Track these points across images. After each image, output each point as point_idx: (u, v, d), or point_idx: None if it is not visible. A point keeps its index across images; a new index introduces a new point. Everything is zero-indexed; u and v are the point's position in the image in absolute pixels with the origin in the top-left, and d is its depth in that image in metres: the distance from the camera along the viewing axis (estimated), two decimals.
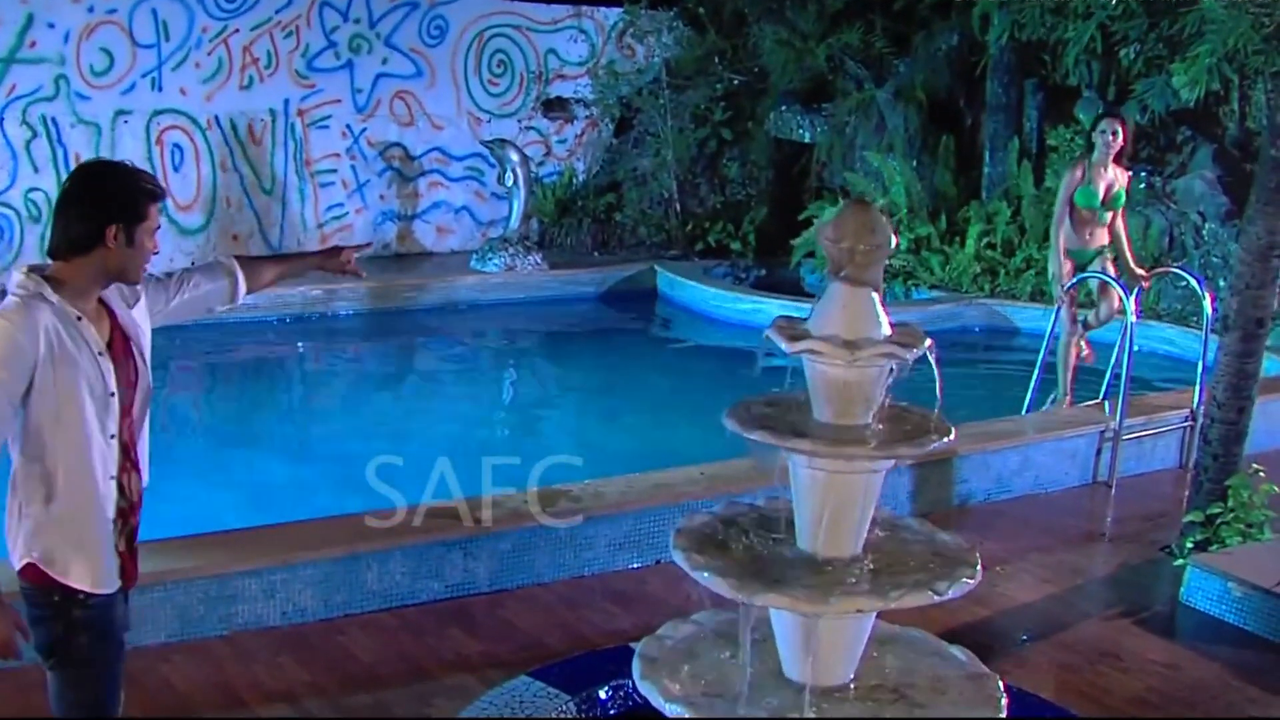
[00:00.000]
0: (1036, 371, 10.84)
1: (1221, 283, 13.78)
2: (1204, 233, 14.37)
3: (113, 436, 4.41)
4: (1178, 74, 14.29)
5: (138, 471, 4.60)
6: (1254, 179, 8.33)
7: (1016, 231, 15.54)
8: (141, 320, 4.61)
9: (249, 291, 5.05)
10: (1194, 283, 11.18)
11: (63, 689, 4.52)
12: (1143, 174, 15.11)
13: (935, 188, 16.36)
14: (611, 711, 6.04)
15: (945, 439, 4.85)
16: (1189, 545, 8.36)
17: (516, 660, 6.78)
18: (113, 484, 4.43)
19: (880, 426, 4.91)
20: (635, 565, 8.10)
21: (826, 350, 4.72)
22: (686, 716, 4.77)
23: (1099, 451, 10.12)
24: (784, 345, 4.81)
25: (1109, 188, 10.87)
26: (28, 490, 4.37)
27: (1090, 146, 11.09)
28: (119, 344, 4.49)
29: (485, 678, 6.58)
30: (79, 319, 4.34)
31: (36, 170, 14.14)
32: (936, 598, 4.72)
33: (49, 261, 4.44)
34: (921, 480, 9.18)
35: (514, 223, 16.18)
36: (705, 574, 4.76)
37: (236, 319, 13.81)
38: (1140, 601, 8.07)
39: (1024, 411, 10.76)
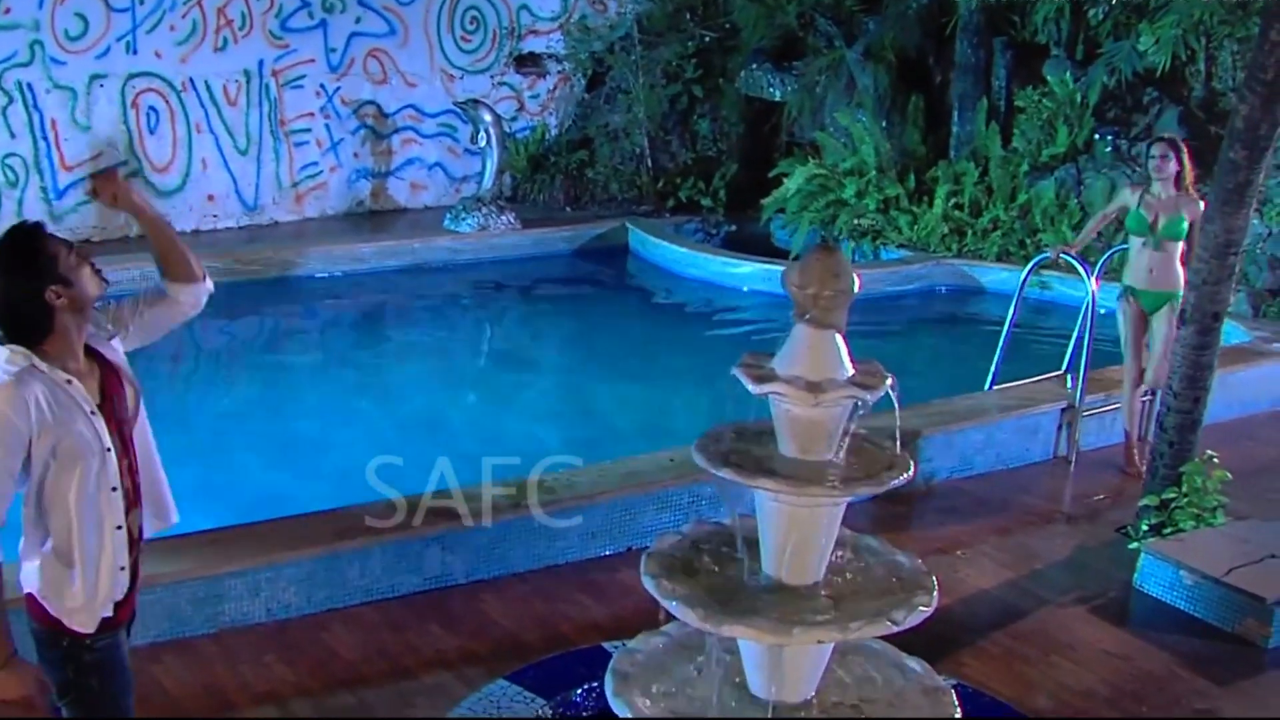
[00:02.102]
0: (1003, 338, 10.95)
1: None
2: None
3: (115, 489, 4.58)
4: (1145, 35, 14.56)
5: (139, 508, 4.77)
6: (1218, 152, 8.52)
7: (984, 192, 15.74)
8: (125, 367, 4.79)
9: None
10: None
11: None
12: (1108, 136, 15.33)
13: (904, 147, 16.52)
14: (585, 714, 6.28)
15: (904, 475, 5.08)
16: (1144, 528, 8.63)
17: (493, 657, 7.04)
18: (121, 533, 4.60)
19: (843, 461, 5.13)
20: (608, 553, 8.33)
21: (791, 393, 4.93)
22: None
23: (1060, 427, 10.40)
24: (751, 386, 5.01)
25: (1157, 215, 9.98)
26: (38, 538, 4.55)
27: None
28: (113, 387, 4.66)
29: (463, 676, 6.84)
30: (69, 382, 4.49)
31: (13, 136, 14.25)
32: (894, 627, 4.97)
33: None
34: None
35: (487, 183, 16.33)
36: (674, 603, 4.99)
37: (214, 283, 14.00)
38: (1095, 587, 8.33)
39: (989, 379, 10.90)
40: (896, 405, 5.11)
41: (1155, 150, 10.09)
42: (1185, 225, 9.85)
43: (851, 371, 5.06)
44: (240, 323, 14.19)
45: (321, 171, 16.56)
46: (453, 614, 7.55)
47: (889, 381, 5.08)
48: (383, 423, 11.60)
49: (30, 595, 4.62)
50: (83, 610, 4.59)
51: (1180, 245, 9.90)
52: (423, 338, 14.43)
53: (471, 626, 7.44)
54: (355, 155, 16.81)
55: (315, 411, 11.83)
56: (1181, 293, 9.38)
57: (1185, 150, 10.05)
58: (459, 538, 7.85)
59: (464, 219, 15.97)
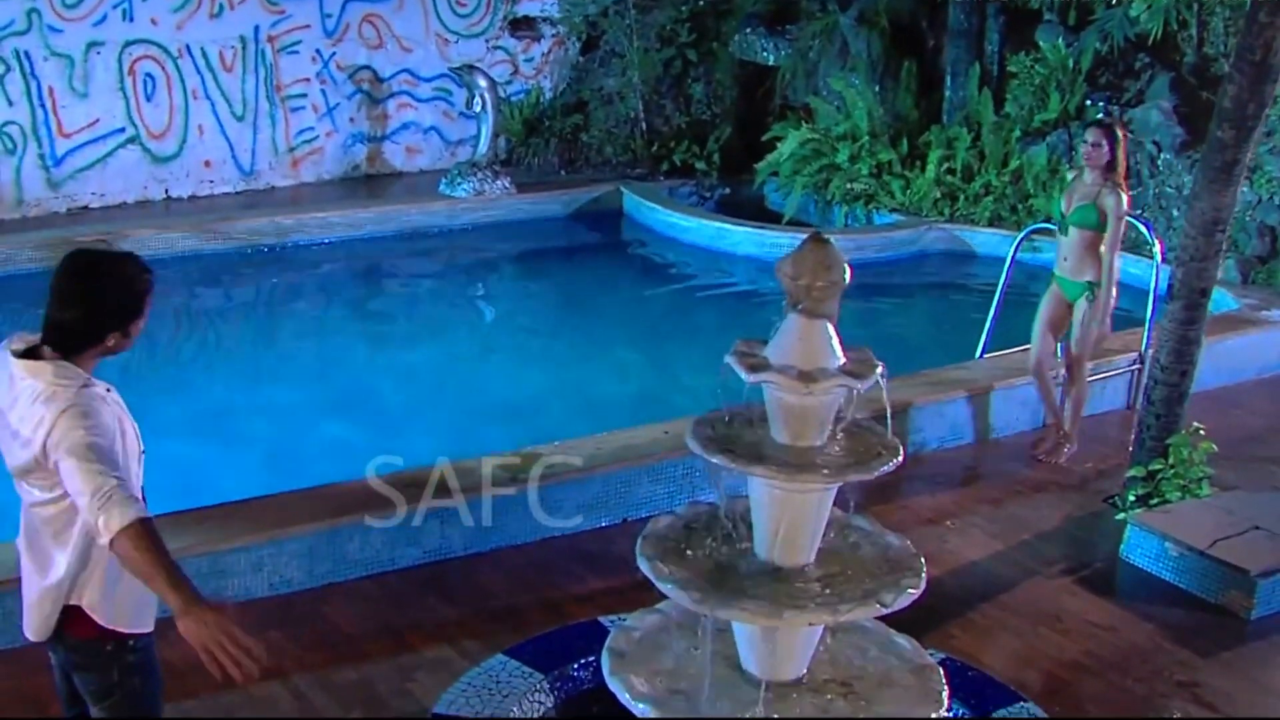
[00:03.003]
0: (994, 308, 11.07)
1: (1175, 212, 14.17)
2: (1159, 163, 14.67)
3: (141, 488, 4.70)
4: (1137, 1, 14.64)
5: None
6: (1211, 115, 8.62)
7: (976, 157, 15.82)
8: None
9: None
10: (1143, 229, 11.47)
11: None
12: (1100, 102, 15.41)
13: (897, 112, 16.59)
14: (583, 688, 6.43)
15: (894, 461, 5.22)
16: (1131, 498, 8.79)
17: (492, 630, 7.20)
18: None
19: (834, 447, 5.26)
20: (603, 524, 8.48)
21: (784, 382, 5.05)
22: (653, 716, 5.18)
23: None
24: (744, 375, 5.13)
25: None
26: (86, 549, 4.60)
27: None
28: None
29: (463, 649, 6.99)
30: (108, 390, 4.61)
31: (11, 104, 14.30)
32: (883, 610, 5.11)
33: (28, 337, 4.64)
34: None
35: (483, 147, 16.40)
36: (669, 585, 5.13)
37: (210, 250, 14.17)
38: (1082, 558, 8.49)
39: (980, 348, 11.02)
40: (885, 392, 5.24)
41: (1088, 136, 9.67)
42: (1096, 215, 9.46)
43: (843, 360, 5.18)
44: (237, 290, 14.30)
45: (317, 136, 16.63)
46: (451, 587, 7.70)
47: (879, 370, 5.20)
48: (379, 390, 11.74)
49: (74, 608, 4.70)
50: (137, 609, 4.75)
51: (1094, 235, 9.51)
52: (420, 304, 14.53)
53: (470, 599, 7.58)
54: (351, 120, 16.88)
55: (313, 380, 11.96)
56: (1103, 283, 9.48)
57: (1121, 137, 9.63)
58: (456, 511, 7.98)
59: (460, 184, 16.05)
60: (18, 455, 4.52)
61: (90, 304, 4.52)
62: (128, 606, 4.72)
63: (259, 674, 4.23)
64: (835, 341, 5.19)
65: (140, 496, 4.54)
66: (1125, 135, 9.85)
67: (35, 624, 4.77)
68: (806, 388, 5.05)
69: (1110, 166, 9.54)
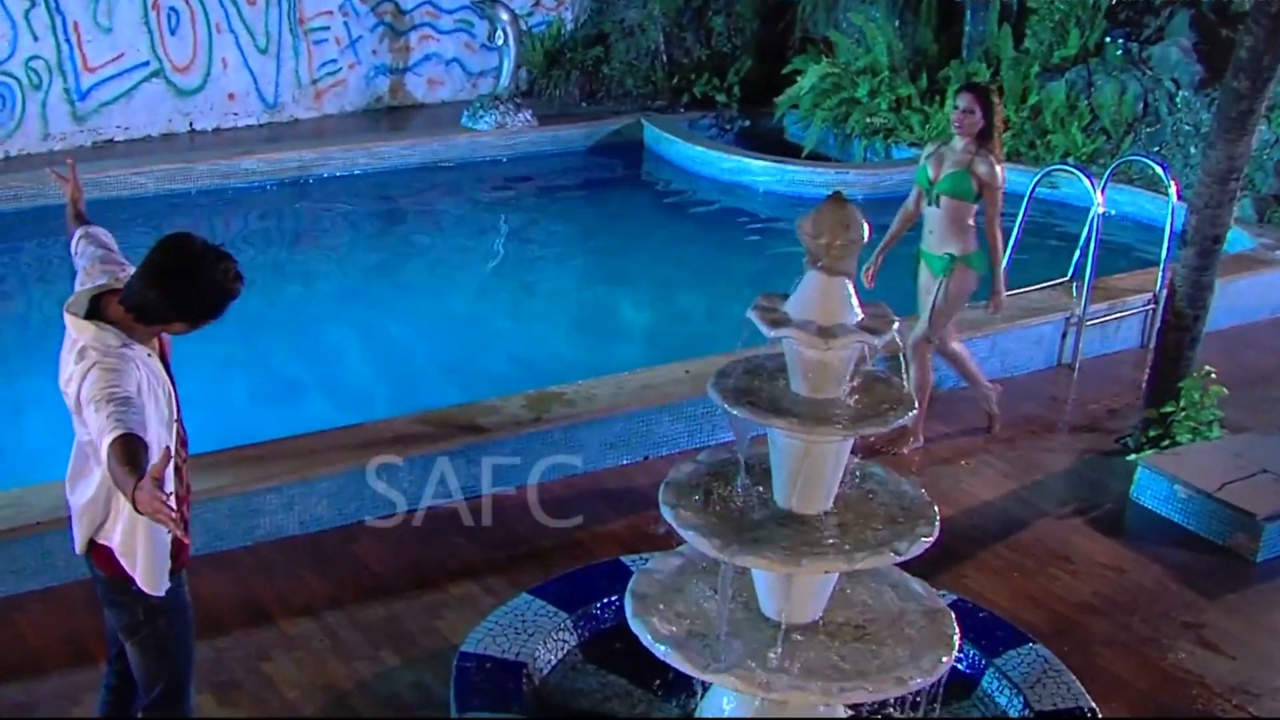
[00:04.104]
0: (1010, 246, 11.12)
1: (1192, 149, 14.26)
2: (1177, 100, 14.74)
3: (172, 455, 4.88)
4: None
5: (185, 464, 5.12)
6: (1231, 55, 8.66)
7: (994, 93, 15.82)
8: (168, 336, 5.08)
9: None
10: (1159, 169, 11.58)
11: (142, 661, 5.14)
12: (1120, 39, 15.45)
13: (917, 46, 16.65)
14: (605, 627, 6.63)
15: (909, 414, 5.39)
16: (1142, 440, 8.95)
17: (516, 568, 7.43)
18: (171, 498, 4.89)
19: (852, 400, 5.43)
20: (625, 462, 8.66)
21: (804, 337, 5.22)
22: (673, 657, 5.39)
23: (1064, 335, 10.67)
24: (765, 330, 5.29)
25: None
26: (109, 490, 4.81)
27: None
28: (167, 361, 4.99)
29: (488, 587, 7.22)
30: (150, 356, 4.80)
31: (36, 39, 14.34)
32: (897, 558, 5.30)
33: (97, 288, 4.87)
34: (896, 373, 9.70)
35: (504, 81, 16.47)
36: (690, 532, 5.33)
37: (233, 184, 14.30)
38: (1093, 499, 8.67)
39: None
40: (901, 344, 5.42)
41: (959, 100, 8.78)
42: (970, 183, 8.62)
43: (860, 316, 5.34)
44: (260, 224, 14.42)
45: (340, 69, 16.68)
46: (477, 524, 7.89)
47: (895, 326, 5.36)
48: (400, 325, 11.87)
49: (103, 547, 4.94)
50: (149, 571, 4.92)
51: (965, 206, 8.72)
52: (441, 237, 14.64)
53: (495, 538, 7.78)
54: (374, 52, 16.92)
55: (334, 315, 12.10)
56: (973, 255, 8.80)
57: (996, 102, 8.80)
58: (481, 449, 8.17)
59: (482, 117, 16.14)
60: (67, 399, 4.77)
61: (177, 294, 4.72)
62: (143, 566, 4.91)
63: (181, 526, 4.35)
64: (853, 298, 5.34)
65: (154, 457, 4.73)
66: (1000, 101, 8.98)
67: (76, 539, 5.03)
68: (825, 343, 5.21)
69: (984, 134, 8.68)
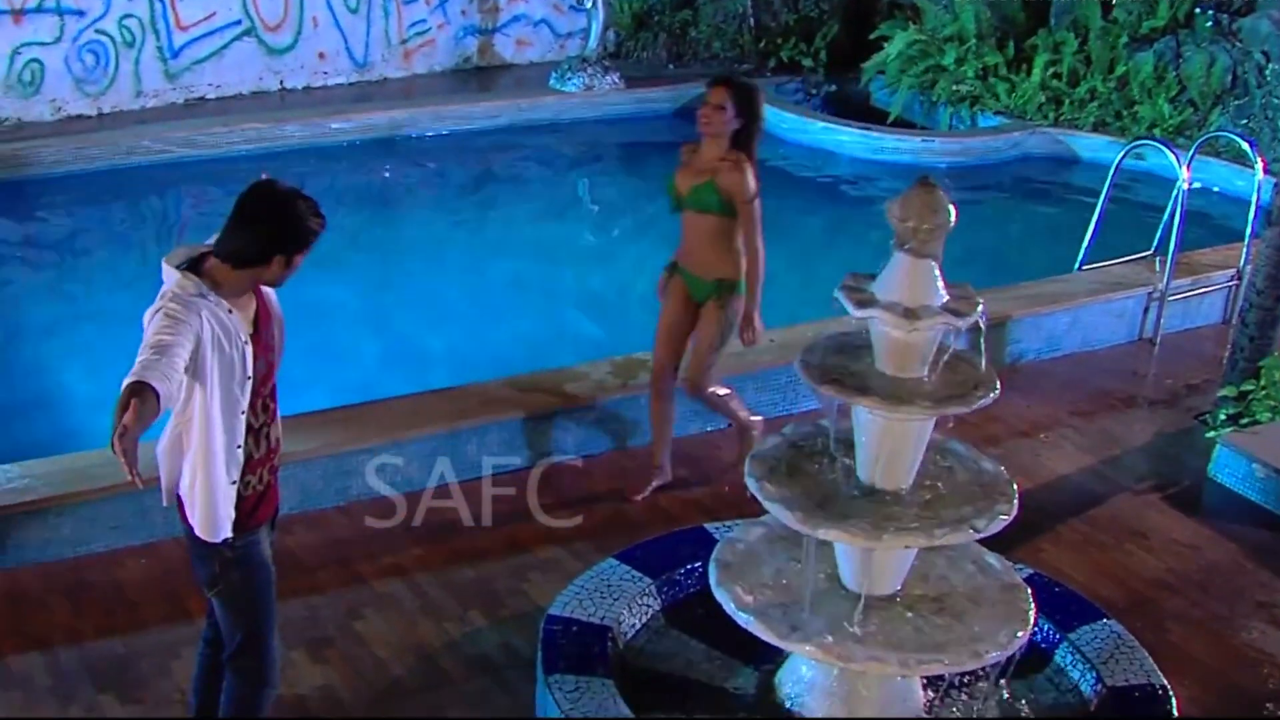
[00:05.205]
0: (1095, 218, 11.14)
1: None
2: (1267, 73, 14.67)
3: (243, 412, 5.05)
4: None
5: (272, 425, 5.29)
6: None
7: (1082, 62, 15.83)
8: (277, 304, 5.29)
9: None
10: (1245, 146, 11.57)
11: (225, 612, 5.36)
12: (1209, 10, 15.38)
13: (1004, 14, 16.61)
14: (688, 593, 6.79)
15: (992, 394, 5.52)
16: (1221, 417, 9.01)
17: (601, 533, 7.62)
18: (239, 451, 5.07)
19: (935, 379, 5.56)
20: (709, 429, 8.81)
21: (890, 318, 5.36)
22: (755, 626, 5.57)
23: (1146, 310, 10.72)
24: (852, 310, 5.43)
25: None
26: (183, 449, 5.05)
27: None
28: (264, 323, 5.16)
29: (575, 551, 7.41)
30: (230, 311, 4.96)
31: None
32: (976, 535, 5.45)
33: (195, 248, 5.04)
34: (978, 344, 9.79)
35: (593, 43, 16.58)
36: (775, 505, 5.50)
37: (326, 143, 14.51)
38: (1171, 475, 8.75)
39: (1079, 260, 11.16)
40: (984, 328, 5.53)
41: (710, 96, 7.40)
42: (717, 197, 7.40)
43: (946, 298, 5.47)
44: (349, 182, 14.60)
45: (430, 29, 16.83)
46: (563, 489, 8.08)
47: (979, 308, 5.49)
48: (489, 288, 12.03)
49: (182, 499, 5.15)
50: (205, 520, 5.11)
51: (718, 221, 7.49)
52: (528, 199, 14.78)
53: (581, 501, 7.96)
54: (463, 13, 17.05)
55: (423, 277, 12.27)
56: (739, 283, 7.60)
57: (753, 97, 7.43)
58: (569, 414, 8.35)
59: (570, 79, 16.26)
60: None
61: (263, 225, 4.94)
62: (200, 512, 5.10)
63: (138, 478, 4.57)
64: (939, 280, 5.47)
65: (223, 411, 4.97)
66: (761, 99, 7.51)
67: (162, 490, 5.22)
68: (911, 324, 5.35)
69: (742, 138, 7.43)
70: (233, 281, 4.97)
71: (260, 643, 5.40)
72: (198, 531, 5.13)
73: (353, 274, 11.91)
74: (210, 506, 5.08)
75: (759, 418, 8.25)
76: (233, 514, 5.14)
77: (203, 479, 5.04)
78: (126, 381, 4.57)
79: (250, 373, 5.05)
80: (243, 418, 5.06)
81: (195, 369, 4.86)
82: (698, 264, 7.64)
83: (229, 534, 5.15)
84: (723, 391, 8.02)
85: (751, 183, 7.40)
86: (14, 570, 7.12)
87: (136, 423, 4.48)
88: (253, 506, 5.24)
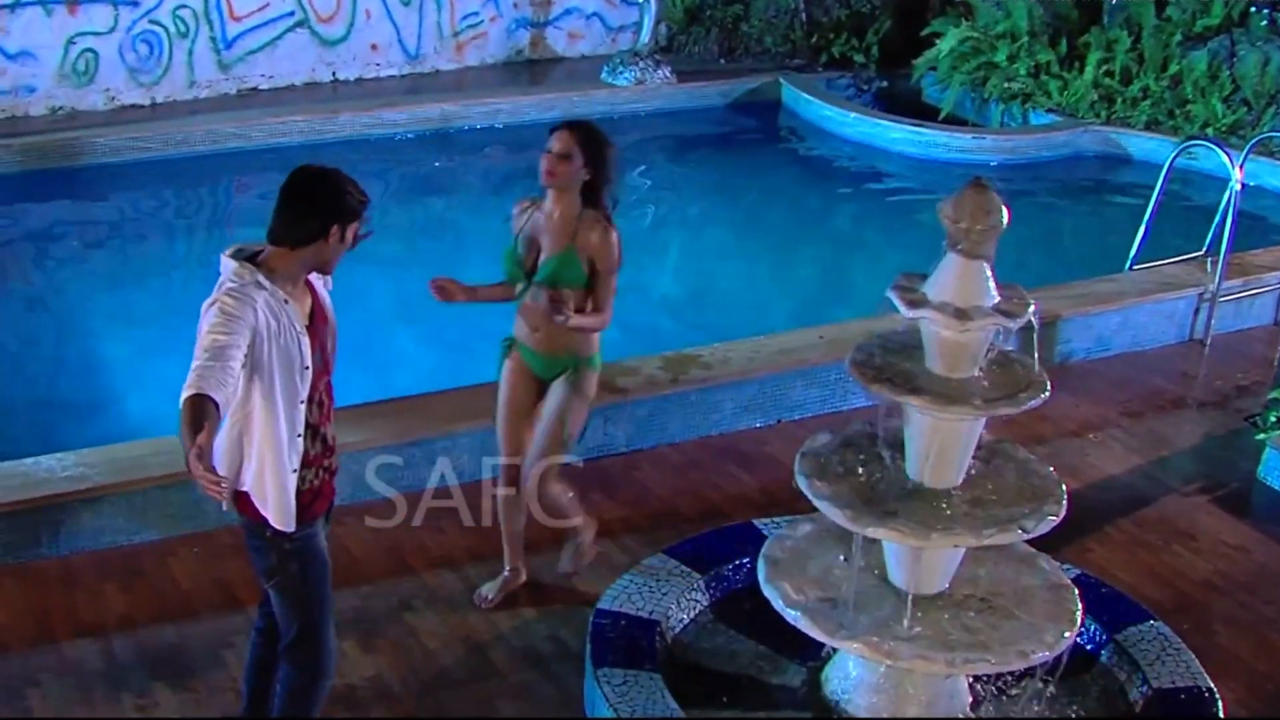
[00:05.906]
0: (1147, 218, 11.09)
1: None
2: None
3: (302, 402, 5.13)
4: None
5: (328, 421, 5.37)
6: None
7: (1135, 60, 15.76)
8: (331, 308, 5.35)
9: None
10: None
11: (280, 603, 5.43)
12: (1265, 9, 15.30)
13: (1057, 12, 16.55)
14: (736, 588, 6.84)
15: (1041, 396, 5.54)
16: (1272, 419, 8.98)
17: (651, 527, 7.70)
18: (299, 440, 5.15)
19: (985, 380, 5.59)
20: (758, 425, 8.85)
21: (941, 319, 5.39)
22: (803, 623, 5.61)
23: (1196, 310, 10.68)
24: (904, 310, 5.47)
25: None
26: (245, 440, 5.11)
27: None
28: (319, 319, 5.23)
29: (624, 546, 7.47)
30: (286, 301, 5.03)
31: None
32: (1024, 535, 5.48)
33: (251, 245, 5.10)
34: (1027, 343, 9.79)
35: (644, 37, 16.64)
36: (824, 502, 5.54)
37: (378, 134, 14.59)
38: (1220, 477, 8.74)
39: (1130, 260, 11.13)
40: (1036, 328, 5.56)
41: (553, 143, 6.37)
42: (580, 267, 6.41)
43: (997, 299, 5.49)
44: (402, 174, 14.67)
45: (482, 21, 16.88)
46: (614, 483, 8.15)
47: (1031, 308, 5.51)
48: None
49: (243, 492, 5.20)
50: (278, 509, 5.18)
51: (582, 294, 6.45)
52: None
53: (631, 495, 8.04)
54: (515, 5, 17.08)
55: (477, 270, 12.28)
56: (594, 358, 6.68)
57: (603, 144, 6.44)
58: (619, 409, 8.40)
59: (622, 72, 16.31)
60: None
61: (311, 202, 5.02)
62: (274, 503, 5.17)
63: (226, 494, 4.78)
64: (991, 281, 5.49)
65: (283, 400, 5.05)
66: (612, 151, 6.49)
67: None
68: (962, 325, 5.38)
69: (592, 189, 6.46)
70: (288, 266, 5.05)
71: (316, 634, 5.47)
72: (273, 521, 5.19)
73: (412, 262, 11.95)
74: (283, 493, 5.15)
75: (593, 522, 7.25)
76: (294, 504, 5.22)
77: (272, 466, 5.11)
78: (186, 394, 4.65)
79: (308, 362, 5.12)
80: (302, 407, 5.13)
81: (252, 362, 4.94)
82: (545, 340, 6.57)
83: (296, 528, 5.23)
84: (570, 494, 6.98)
85: (617, 250, 6.46)
86: (68, 558, 7.23)
87: (210, 442, 4.58)
88: (309, 500, 5.30)
